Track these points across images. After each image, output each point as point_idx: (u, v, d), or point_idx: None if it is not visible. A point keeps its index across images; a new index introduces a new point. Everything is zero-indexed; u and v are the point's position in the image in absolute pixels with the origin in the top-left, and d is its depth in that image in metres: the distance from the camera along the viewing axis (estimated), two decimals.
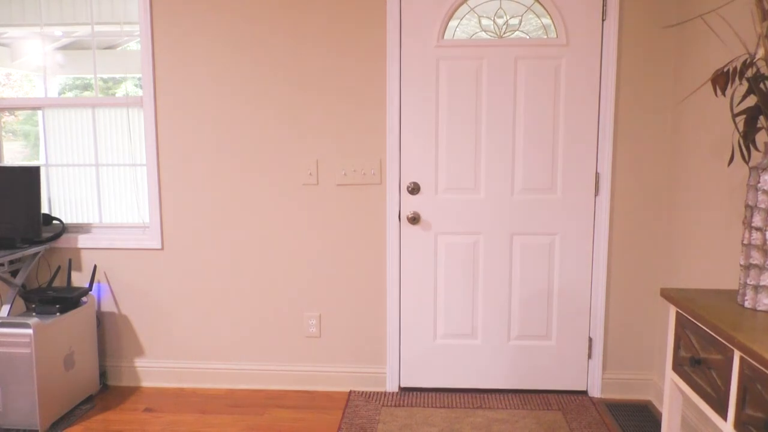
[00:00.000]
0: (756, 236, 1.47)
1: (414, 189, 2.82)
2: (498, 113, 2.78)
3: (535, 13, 2.71)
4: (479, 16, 2.71)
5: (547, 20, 2.72)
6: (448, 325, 2.93)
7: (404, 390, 2.97)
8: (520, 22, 2.72)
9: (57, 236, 2.98)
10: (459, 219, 2.86)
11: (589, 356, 2.91)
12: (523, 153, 2.80)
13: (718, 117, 2.29)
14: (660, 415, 2.71)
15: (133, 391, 3.03)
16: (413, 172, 2.84)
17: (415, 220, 2.83)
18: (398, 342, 2.98)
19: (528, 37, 2.73)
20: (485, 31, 2.73)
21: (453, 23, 2.74)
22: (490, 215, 2.85)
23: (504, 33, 2.72)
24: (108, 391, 3.03)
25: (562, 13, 2.69)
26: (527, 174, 2.81)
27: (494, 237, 2.86)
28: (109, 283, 3.04)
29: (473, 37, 2.74)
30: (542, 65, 2.73)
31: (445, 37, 2.75)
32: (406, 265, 2.91)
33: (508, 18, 2.71)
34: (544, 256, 2.87)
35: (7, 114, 3.17)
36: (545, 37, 2.73)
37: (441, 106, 2.79)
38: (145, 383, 3.09)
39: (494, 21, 2.72)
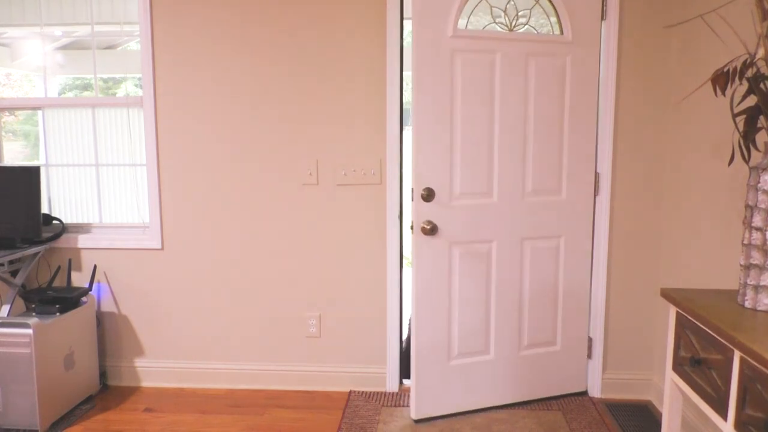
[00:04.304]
0: (756, 236, 1.47)
1: (428, 196, 2.54)
2: (510, 112, 2.63)
3: (542, 7, 2.63)
4: (491, 6, 2.59)
5: (553, 18, 2.68)
6: (462, 344, 2.70)
7: (418, 422, 2.66)
8: (529, 16, 2.64)
9: (57, 236, 2.98)
10: (473, 226, 2.64)
11: (589, 356, 2.91)
12: (532, 153, 2.68)
13: (718, 117, 2.29)
14: (660, 415, 2.71)
15: (133, 391, 3.03)
16: (427, 178, 2.55)
17: (433, 230, 2.53)
18: (398, 342, 2.97)
19: (536, 32, 2.63)
20: (497, 23, 2.61)
21: (465, 12, 2.55)
22: (502, 220, 2.68)
23: (514, 26, 2.62)
24: (108, 391, 3.03)
25: (568, 10, 2.62)
26: (536, 175, 2.70)
27: (506, 243, 2.70)
28: (109, 283, 3.04)
29: (486, 28, 2.59)
30: (550, 62, 2.64)
31: (458, 27, 2.52)
32: (421, 280, 2.60)
33: (519, 11, 2.61)
34: (552, 259, 2.77)
35: (7, 114, 3.17)
36: (552, 33, 2.66)
37: (455, 104, 2.56)
38: (145, 383, 3.09)
39: (505, 13, 2.62)
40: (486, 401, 2.77)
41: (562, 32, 2.66)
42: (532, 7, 2.64)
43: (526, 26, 2.65)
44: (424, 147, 2.54)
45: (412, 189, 2.55)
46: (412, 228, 2.58)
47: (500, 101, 2.61)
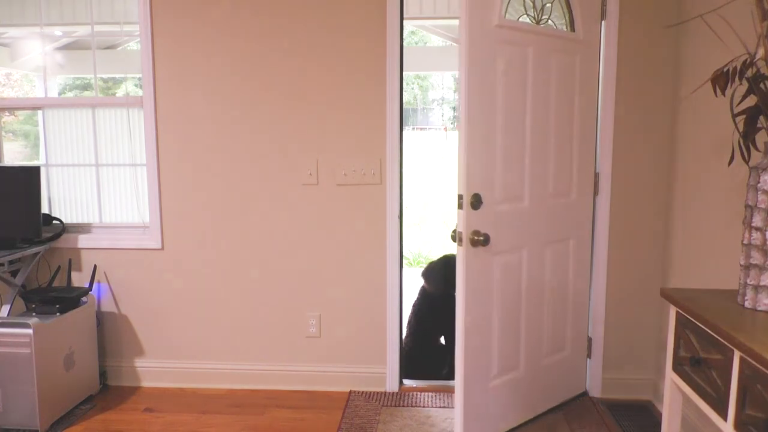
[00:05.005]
0: (756, 236, 1.47)
1: (476, 203, 2.26)
2: (538, 110, 2.47)
3: (559, 2, 2.55)
4: None
5: (567, 16, 2.60)
6: (501, 363, 2.48)
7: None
8: (550, 12, 2.54)
9: (57, 236, 2.98)
10: (509, 233, 2.42)
11: (589, 356, 2.91)
12: (554, 153, 2.56)
13: (718, 117, 2.29)
14: (660, 415, 2.71)
15: (133, 391, 3.03)
16: (476, 182, 2.25)
17: (486, 241, 2.24)
18: (398, 342, 2.97)
19: (555, 26, 2.54)
20: (528, 15, 2.47)
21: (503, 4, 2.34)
22: (531, 225, 2.51)
23: (540, 20, 2.50)
24: (108, 391, 3.03)
25: (581, 7, 2.57)
26: (557, 176, 2.59)
27: (534, 249, 2.54)
28: (109, 283, 3.04)
29: (519, 19, 2.42)
30: (565, 60, 2.56)
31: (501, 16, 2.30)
32: (471, 300, 2.29)
33: (544, 3, 2.51)
34: (565, 262, 2.70)
35: (7, 114, 3.18)
36: (566, 30, 2.59)
37: (497, 100, 2.31)
38: (145, 383, 3.09)
39: (534, 5, 2.49)
40: (514, 420, 2.58)
41: (573, 30, 2.60)
42: (553, 2, 2.54)
43: (548, 21, 2.54)
44: (472, 147, 2.22)
45: (460, 196, 2.21)
46: (456, 240, 2.25)
47: (531, 98, 2.43)
